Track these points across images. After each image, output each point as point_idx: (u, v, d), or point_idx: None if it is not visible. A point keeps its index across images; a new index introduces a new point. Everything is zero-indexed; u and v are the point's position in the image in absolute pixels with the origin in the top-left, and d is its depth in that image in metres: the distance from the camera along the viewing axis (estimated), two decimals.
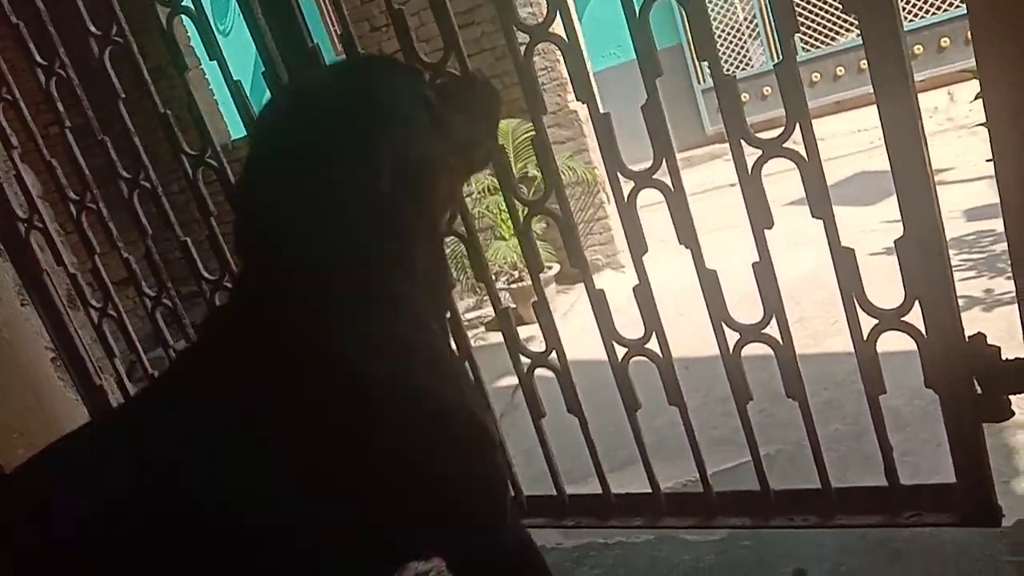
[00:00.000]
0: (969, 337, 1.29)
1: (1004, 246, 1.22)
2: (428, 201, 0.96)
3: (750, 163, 1.28)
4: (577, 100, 1.34)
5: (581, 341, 1.67)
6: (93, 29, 1.63)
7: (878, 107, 1.15)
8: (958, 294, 1.28)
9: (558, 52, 5.28)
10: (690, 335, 2.99)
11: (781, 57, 1.19)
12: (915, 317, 1.30)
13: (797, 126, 1.20)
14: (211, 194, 1.73)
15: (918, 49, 7.52)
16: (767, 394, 1.96)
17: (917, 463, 2.79)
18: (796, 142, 1.23)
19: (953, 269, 1.28)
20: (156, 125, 1.68)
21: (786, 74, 1.18)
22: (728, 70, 8.26)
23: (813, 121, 1.21)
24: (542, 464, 1.72)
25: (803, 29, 7.85)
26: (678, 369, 1.52)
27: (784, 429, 3.14)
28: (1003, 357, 1.28)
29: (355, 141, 0.89)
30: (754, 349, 1.46)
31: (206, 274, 1.79)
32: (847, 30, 7.75)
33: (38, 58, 1.76)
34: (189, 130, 1.67)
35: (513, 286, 5.72)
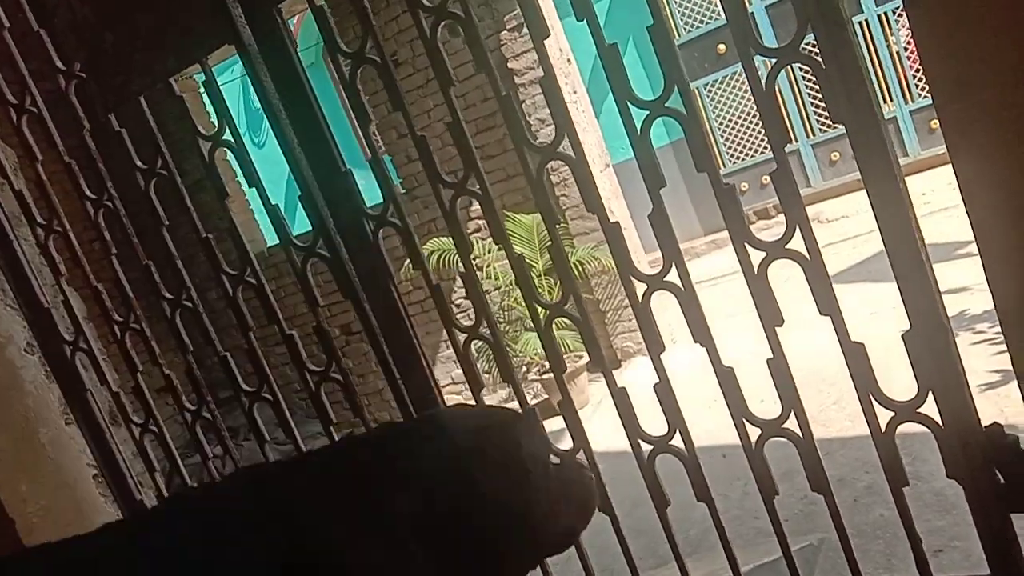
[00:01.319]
0: (986, 427, 1.30)
1: None
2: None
3: (757, 264, 1.34)
4: (588, 210, 1.41)
5: (617, 431, 1.69)
6: (139, 163, 1.76)
7: (873, 209, 1.21)
8: (994, 368, 1.30)
9: None
10: (727, 423, 2.99)
11: (776, 167, 1.26)
12: (932, 408, 1.32)
13: (796, 228, 1.27)
14: (248, 309, 1.84)
15: (934, 124, 7.62)
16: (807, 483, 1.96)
17: (968, 548, 2.72)
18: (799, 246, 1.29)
19: (988, 342, 1.30)
20: (194, 240, 1.79)
21: (782, 182, 1.25)
22: (740, 158, 8.39)
23: (838, 200, 1.27)
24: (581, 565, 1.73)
25: (820, 113, 8.01)
26: (716, 458, 1.54)
27: (827, 516, 3.09)
28: (1022, 446, 1.29)
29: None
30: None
31: (245, 386, 1.87)
32: None
33: (88, 192, 1.90)
34: (226, 239, 1.79)
35: (545, 376, 5.75)
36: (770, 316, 1.36)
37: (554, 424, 2.25)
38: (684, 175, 7.94)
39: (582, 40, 6.69)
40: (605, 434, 1.70)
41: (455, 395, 6.36)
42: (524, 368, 5.88)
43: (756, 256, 1.34)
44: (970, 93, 0.95)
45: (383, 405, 6.75)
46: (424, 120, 6.00)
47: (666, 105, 1.31)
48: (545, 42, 1.38)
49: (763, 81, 1.24)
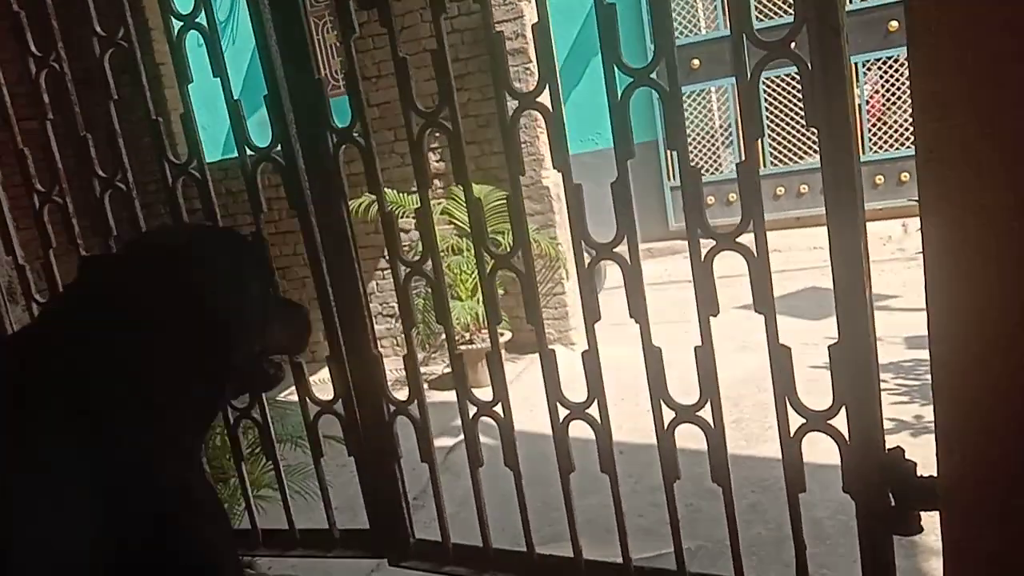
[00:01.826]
0: (889, 449, 1.35)
1: None
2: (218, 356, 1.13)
3: (705, 253, 1.35)
4: (554, 167, 1.40)
5: (523, 411, 1.71)
6: (99, 30, 1.67)
7: (827, 213, 1.24)
8: (890, 417, 1.34)
9: (537, 128, 5.52)
10: (628, 421, 3.04)
11: (743, 158, 1.28)
12: (841, 423, 1.37)
13: (751, 223, 1.28)
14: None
15: (879, 179, 7.92)
16: (696, 489, 2.00)
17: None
18: (749, 242, 1.31)
19: (888, 392, 1.35)
20: (140, 133, 1.71)
21: (746, 175, 1.27)
22: (705, 171, 8.59)
23: (773, 233, 1.29)
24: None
25: (773, 145, 8.23)
26: (614, 454, 1.57)
27: (709, 525, 3.18)
28: (918, 474, 1.34)
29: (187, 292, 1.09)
30: (687, 443, 1.51)
31: None
32: (814, 152, 8.12)
33: (33, 48, 1.78)
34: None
35: (463, 347, 5.75)
36: (707, 305, 1.38)
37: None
38: (633, 179, 8.02)
39: (560, 24, 6.71)
40: (515, 414, 1.74)
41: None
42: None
43: (706, 246, 1.36)
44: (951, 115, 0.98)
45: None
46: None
47: (650, 77, 1.30)
48: (524, 18, 1.36)
49: (748, 73, 1.26)
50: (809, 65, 1.20)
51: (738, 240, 1.32)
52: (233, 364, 1.16)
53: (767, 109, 8.17)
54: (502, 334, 5.74)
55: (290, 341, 1.39)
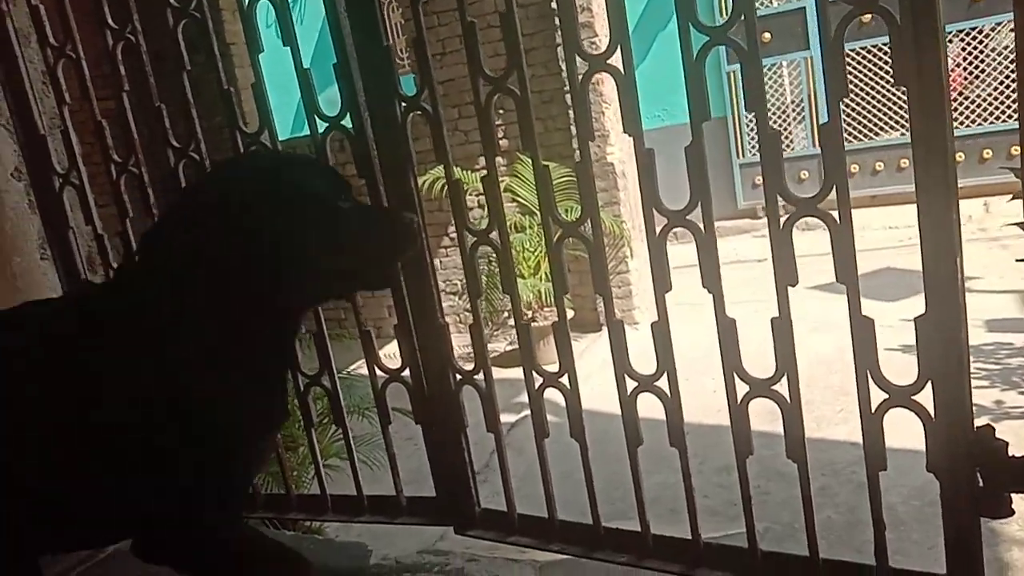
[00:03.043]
0: (978, 427, 1.29)
1: (1021, 360, 1.21)
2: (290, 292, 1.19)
3: (784, 220, 1.30)
4: (624, 131, 1.36)
5: (586, 389, 1.68)
6: (173, 1, 1.69)
7: (915, 173, 1.17)
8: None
9: (603, 103, 5.44)
10: (693, 400, 2.98)
11: (827, 118, 1.22)
12: (926, 400, 1.30)
13: (834, 189, 1.23)
14: None
15: (960, 156, 7.57)
16: (763, 470, 1.94)
17: (906, 564, 2.76)
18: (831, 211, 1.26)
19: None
20: (212, 109, 1.73)
21: (829, 136, 1.21)
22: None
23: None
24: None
25: (848, 121, 7.95)
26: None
27: (776, 508, 3.12)
28: (1009, 454, 1.27)
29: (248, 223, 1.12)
30: (757, 425, 1.47)
31: None
32: (891, 128, 7.84)
33: (110, 21, 1.81)
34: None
35: (529, 323, 5.74)
36: (786, 275, 1.33)
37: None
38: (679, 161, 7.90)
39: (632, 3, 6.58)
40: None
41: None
42: (507, 313, 5.85)
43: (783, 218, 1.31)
44: None
45: (378, 306, 6.44)
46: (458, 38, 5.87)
47: (729, 35, 1.25)
48: None
49: (831, 31, 1.19)
50: (898, 18, 1.13)
51: (819, 207, 1.26)
52: (288, 279, 1.16)
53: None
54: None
55: (382, 249, 1.30)
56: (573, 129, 5.77)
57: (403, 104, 1.52)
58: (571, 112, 5.65)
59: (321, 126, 1.60)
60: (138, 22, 1.78)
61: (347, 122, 1.59)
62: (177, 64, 1.75)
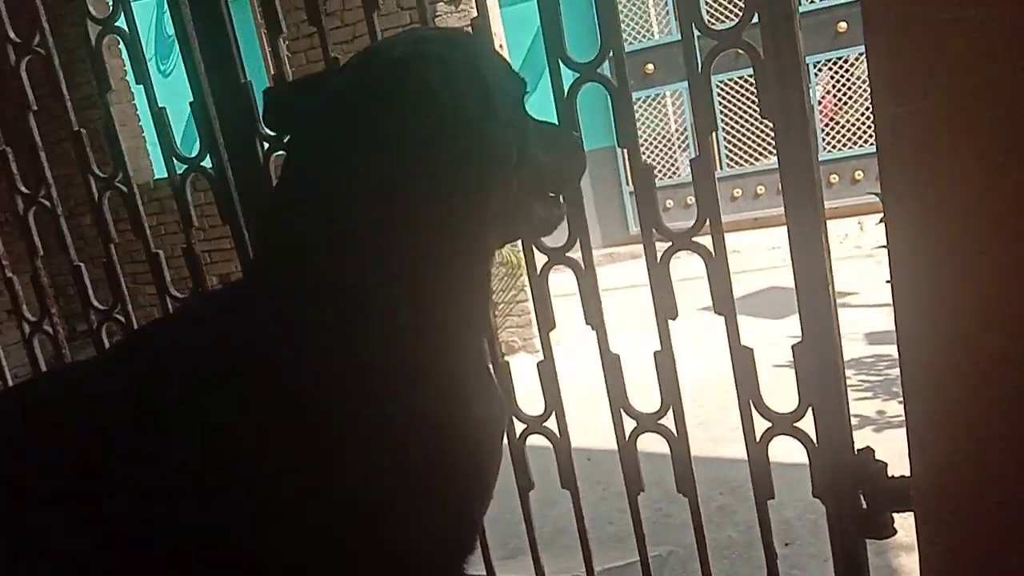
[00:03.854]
0: (858, 450, 1.31)
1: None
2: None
3: (661, 254, 1.29)
4: (618, 147, 1.30)
5: None
6: (12, 36, 1.56)
7: (786, 207, 1.19)
8: (853, 413, 1.30)
9: None
10: (596, 427, 2.98)
11: (697, 153, 1.22)
12: (808, 425, 1.32)
13: (707, 221, 1.23)
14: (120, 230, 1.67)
15: (834, 178, 8.00)
16: (665, 493, 1.93)
17: None
18: (706, 242, 1.26)
19: (850, 388, 1.30)
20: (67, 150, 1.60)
21: (701, 170, 1.21)
22: (658, 177, 8.68)
23: (732, 234, 1.24)
24: None
25: (729, 147, 8.28)
26: (581, 460, 1.50)
27: (680, 530, 3.13)
28: (889, 474, 1.30)
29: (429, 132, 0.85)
30: (655, 446, 1.45)
31: (96, 303, 1.69)
32: (771, 153, 8.20)
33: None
34: (109, 164, 1.60)
35: None
36: (665, 308, 1.32)
37: None
38: (592, 184, 8.06)
39: (515, 33, 6.67)
40: None
41: None
42: None
43: (661, 248, 1.30)
44: (909, 100, 0.93)
45: None
46: None
47: (598, 71, 1.24)
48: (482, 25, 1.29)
49: (699, 65, 1.20)
50: (762, 54, 1.15)
51: (695, 240, 1.26)
52: (490, 205, 0.91)
53: (723, 110, 8.21)
54: None
55: (557, 173, 1.07)
56: None
57: (266, 143, 1.45)
58: None
59: (180, 167, 1.51)
60: None
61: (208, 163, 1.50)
62: (23, 103, 1.62)
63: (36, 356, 1.82)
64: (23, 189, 1.68)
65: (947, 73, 0.93)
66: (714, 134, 1.25)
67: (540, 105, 1.18)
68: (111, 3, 1.51)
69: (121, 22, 1.50)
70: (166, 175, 1.57)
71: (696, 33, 1.19)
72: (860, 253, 6.74)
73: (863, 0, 0.92)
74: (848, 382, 1.27)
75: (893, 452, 1.38)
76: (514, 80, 0.99)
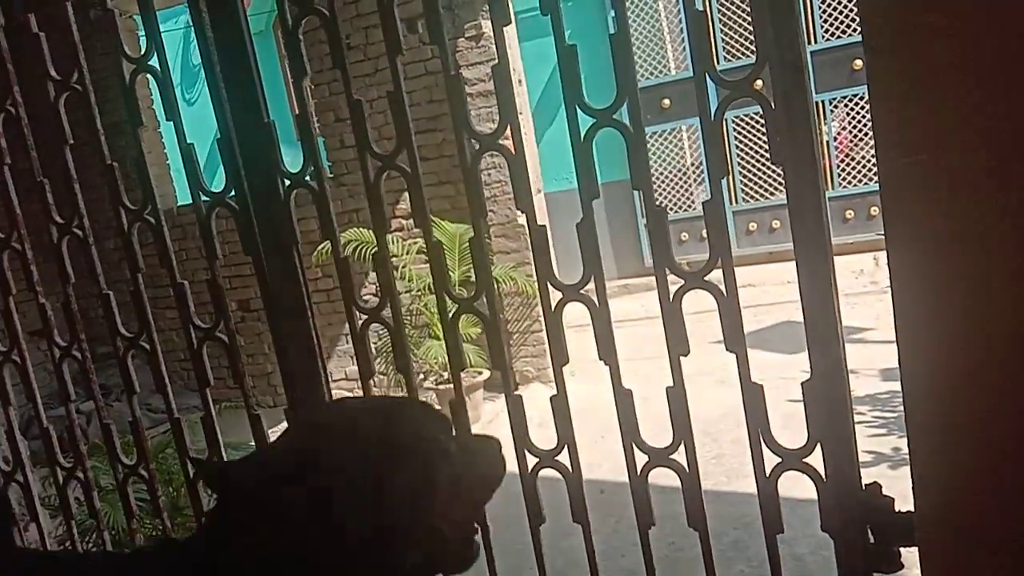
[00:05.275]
0: (866, 485, 1.32)
1: None
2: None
3: (673, 292, 1.33)
4: (517, 207, 1.38)
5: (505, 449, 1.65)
6: (53, 74, 1.64)
7: (795, 250, 1.22)
8: (868, 449, 1.32)
9: None
10: (610, 459, 3.00)
11: (709, 196, 1.26)
12: (818, 460, 1.34)
13: (719, 261, 1.26)
14: (145, 255, 1.73)
15: (849, 214, 8.01)
16: (679, 528, 1.95)
17: None
18: (719, 280, 1.29)
19: (866, 424, 1.32)
20: (101, 182, 1.67)
21: (712, 214, 1.25)
22: (673, 210, 8.69)
23: (747, 268, 1.27)
24: None
25: (745, 181, 8.31)
26: (594, 492, 1.52)
27: (691, 565, 3.10)
28: (896, 509, 1.32)
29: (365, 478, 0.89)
30: (669, 480, 1.47)
31: (123, 330, 1.75)
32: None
33: None
34: (135, 190, 1.66)
35: (440, 387, 5.67)
36: (677, 344, 1.36)
37: None
38: (608, 217, 8.10)
39: (534, 67, 6.77)
40: None
41: (344, 390, 6.23)
42: (422, 375, 5.79)
43: (674, 286, 1.34)
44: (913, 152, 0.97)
45: (268, 390, 6.54)
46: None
47: (614, 117, 1.29)
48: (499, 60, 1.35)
49: (712, 113, 1.25)
50: (772, 104, 1.19)
51: (707, 279, 1.30)
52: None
53: (738, 145, 8.26)
54: (479, 372, 5.70)
55: (476, 492, 1.08)
56: (489, 190, 5.85)
57: (286, 180, 1.50)
58: (489, 172, 5.75)
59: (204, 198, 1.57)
60: (18, 94, 1.72)
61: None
62: (60, 137, 1.69)
63: (65, 379, 1.88)
64: (58, 219, 1.75)
65: (948, 123, 0.97)
66: (728, 173, 1.29)
67: (557, 142, 1.25)
68: (143, 42, 1.57)
69: (153, 60, 1.57)
70: (190, 201, 1.63)
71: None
72: (876, 288, 6.72)
73: (866, 53, 0.96)
74: (864, 418, 1.29)
75: (907, 488, 1.39)
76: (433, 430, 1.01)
